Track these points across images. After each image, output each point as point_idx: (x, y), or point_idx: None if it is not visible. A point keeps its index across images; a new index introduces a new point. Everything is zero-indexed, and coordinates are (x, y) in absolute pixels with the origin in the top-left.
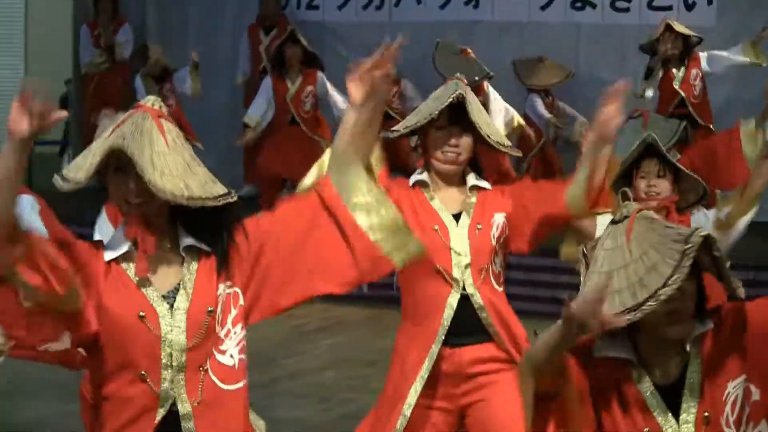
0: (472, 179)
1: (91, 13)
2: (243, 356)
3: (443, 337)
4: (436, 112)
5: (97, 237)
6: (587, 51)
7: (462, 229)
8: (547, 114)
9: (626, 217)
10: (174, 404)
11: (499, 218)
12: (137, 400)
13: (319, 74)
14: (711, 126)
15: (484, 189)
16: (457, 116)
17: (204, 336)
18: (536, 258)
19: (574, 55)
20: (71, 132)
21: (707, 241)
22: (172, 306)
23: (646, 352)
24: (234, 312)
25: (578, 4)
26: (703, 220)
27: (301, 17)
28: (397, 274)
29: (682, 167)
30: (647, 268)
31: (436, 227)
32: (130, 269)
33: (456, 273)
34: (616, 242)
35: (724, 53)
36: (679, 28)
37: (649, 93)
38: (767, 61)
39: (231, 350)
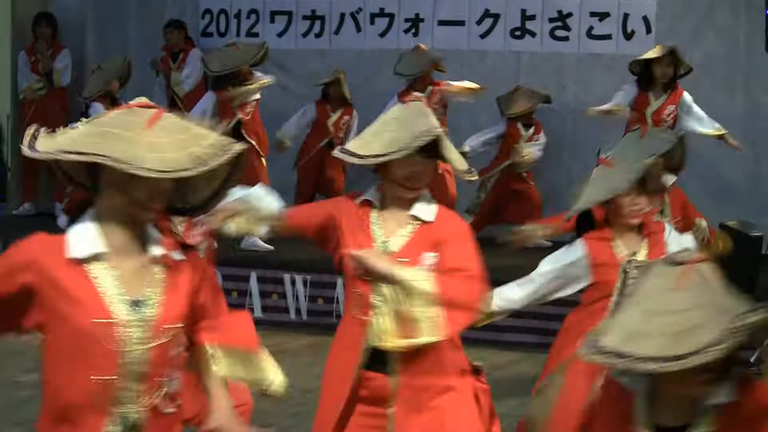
0: (416, 208)
1: (29, 38)
2: (179, 377)
3: (360, 366)
4: (415, 145)
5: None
6: (527, 79)
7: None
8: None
9: (682, 263)
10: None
11: (428, 257)
12: (92, 402)
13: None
14: None
15: (425, 222)
16: (425, 145)
17: (164, 349)
18: None
19: (513, 83)
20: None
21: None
22: (138, 314)
23: (660, 389)
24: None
25: (518, 33)
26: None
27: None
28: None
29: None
30: (688, 326)
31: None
32: (97, 271)
33: (375, 300)
34: (666, 284)
35: (700, 120)
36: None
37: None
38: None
39: (176, 372)
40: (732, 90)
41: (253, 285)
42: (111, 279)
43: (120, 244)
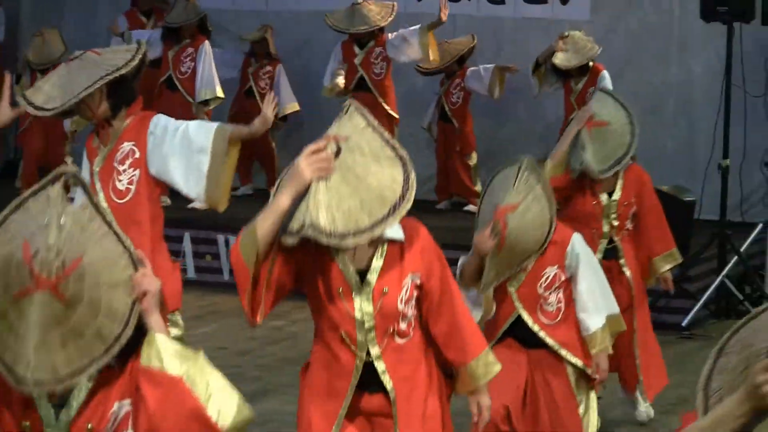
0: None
1: None
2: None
3: (350, 400)
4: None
5: None
6: None
7: (366, 293)
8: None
9: None
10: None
11: (410, 280)
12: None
13: (207, 43)
14: None
15: (398, 242)
16: None
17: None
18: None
19: None
20: None
21: None
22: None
23: None
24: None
25: None
26: None
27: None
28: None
29: None
30: None
31: (340, 290)
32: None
33: (360, 337)
34: None
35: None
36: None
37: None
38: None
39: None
40: (666, 58)
41: (187, 246)
42: None
43: None
